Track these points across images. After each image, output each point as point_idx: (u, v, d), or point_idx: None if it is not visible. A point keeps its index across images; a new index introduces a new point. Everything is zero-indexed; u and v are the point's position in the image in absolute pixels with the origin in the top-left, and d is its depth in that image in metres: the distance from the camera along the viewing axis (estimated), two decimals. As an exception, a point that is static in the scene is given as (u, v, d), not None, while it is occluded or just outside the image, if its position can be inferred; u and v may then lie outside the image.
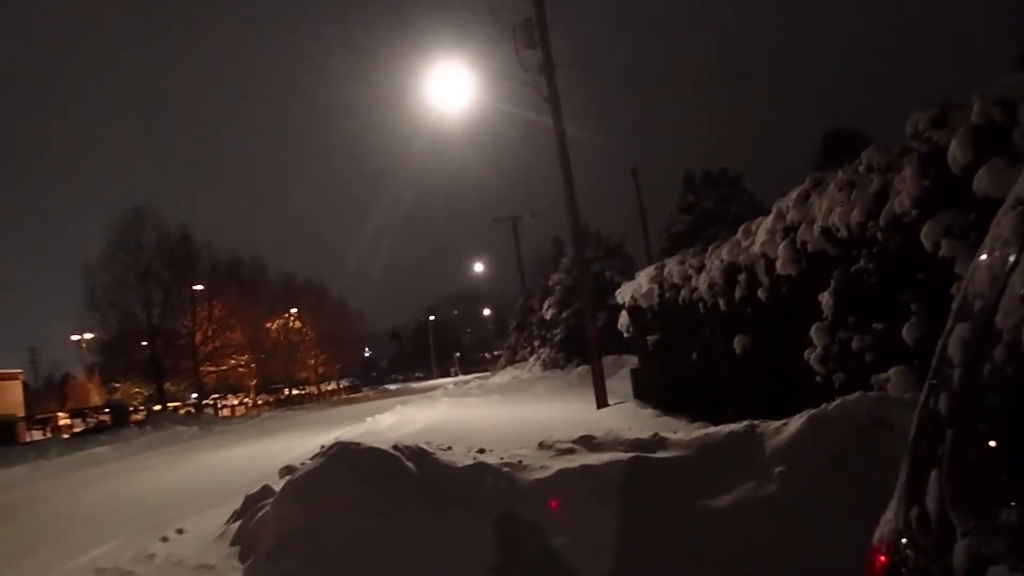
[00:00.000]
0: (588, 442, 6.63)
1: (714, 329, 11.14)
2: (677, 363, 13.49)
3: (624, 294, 16.86)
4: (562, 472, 5.88)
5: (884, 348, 6.28)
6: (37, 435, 44.38)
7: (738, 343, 9.80)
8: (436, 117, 24.77)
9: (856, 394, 5.70)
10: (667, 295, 13.60)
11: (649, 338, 15.39)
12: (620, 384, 20.01)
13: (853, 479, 4.57)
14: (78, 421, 50.04)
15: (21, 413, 46.34)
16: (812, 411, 5.58)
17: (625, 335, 18.51)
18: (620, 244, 41.29)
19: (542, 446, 6.74)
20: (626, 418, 13.74)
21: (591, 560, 5.31)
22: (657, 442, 6.44)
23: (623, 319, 17.60)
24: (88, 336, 57.47)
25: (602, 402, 17.56)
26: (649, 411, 14.71)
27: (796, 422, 5.45)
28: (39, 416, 52.10)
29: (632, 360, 20.96)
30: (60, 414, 54.29)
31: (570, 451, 6.52)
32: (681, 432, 7.21)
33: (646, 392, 16.46)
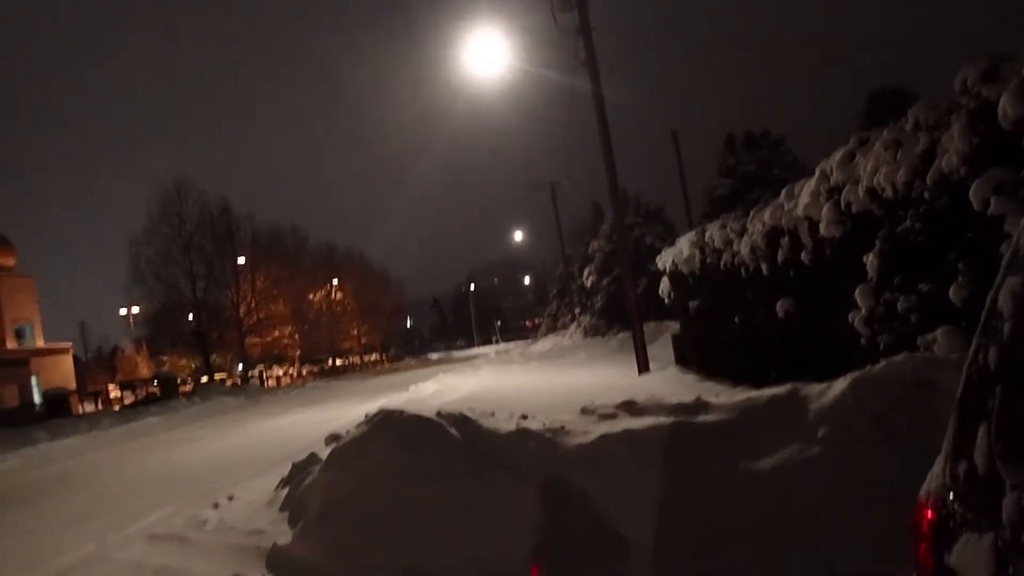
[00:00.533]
0: (630, 407, 6.64)
1: (756, 293, 11.05)
2: (719, 328, 13.41)
3: (665, 260, 16.75)
4: (604, 437, 5.89)
5: (930, 309, 6.19)
6: (89, 407, 45.49)
7: (781, 307, 9.71)
8: (474, 86, 24.63)
9: (902, 355, 5.62)
10: (708, 260, 13.50)
11: (690, 303, 15.31)
12: (661, 350, 19.96)
13: (898, 440, 4.52)
14: (128, 393, 51.21)
15: (72, 386, 47.48)
16: (856, 373, 5.52)
17: (666, 301, 18.43)
18: (660, 209, 41.00)
19: (584, 411, 6.76)
20: (668, 383, 13.72)
21: (634, 523, 5.33)
22: (699, 406, 6.42)
23: (664, 285, 17.50)
24: (134, 310, 58.58)
25: (643, 368, 17.54)
26: (691, 376, 14.67)
27: (840, 384, 5.40)
28: (90, 389, 53.37)
29: (673, 326, 20.87)
30: (110, 386, 55.54)
31: (612, 416, 6.53)
32: (723, 396, 7.19)
33: (688, 357, 16.40)
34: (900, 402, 4.93)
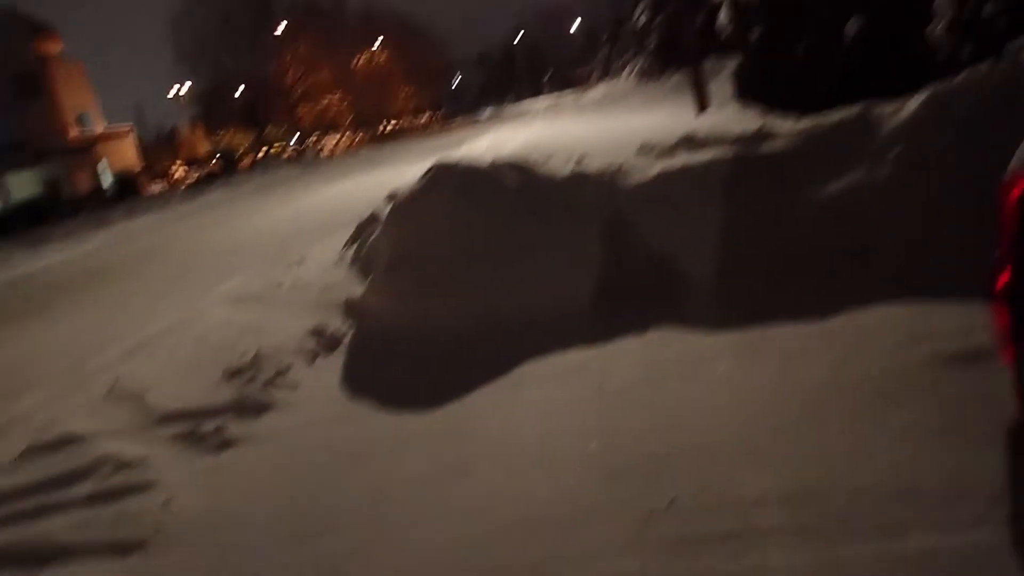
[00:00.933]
0: (689, 142, 6.48)
1: (823, 16, 10.41)
2: (783, 58, 12.79)
3: (722, -12, 15.79)
4: (663, 174, 5.81)
5: (1019, 11, 5.75)
6: (156, 187, 46.66)
7: (851, 27, 9.15)
8: None
9: (986, 63, 5.29)
10: (769, -15, 12.67)
11: (752, 33, 14.55)
12: (721, 88, 19.29)
13: (979, 149, 4.35)
14: (191, 171, 52.20)
15: (138, 168, 48.47)
16: (934, 86, 5.21)
17: (725, 34, 17.56)
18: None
19: (642, 150, 6.64)
20: (728, 120, 13.34)
21: (695, 257, 5.36)
22: (762, 136, 6.22)
23: (722, 16, 16.61)
24: (184, 90, 58.36)
25: (702, 107, 17.03)
26: (753, 112, 14.22)
27: (916, 100, 5.13)
28: (155, 170, 54.47)
29: (732, 64, 20.02)
30: (175, 166, 56.55)
31: (671, 153, 6.40)
32: (788, 126, 6.97)
33: (749, 93, 15.80)
34: (983, 113, 4.68)
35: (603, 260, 5.47)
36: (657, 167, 5.93)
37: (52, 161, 41.12)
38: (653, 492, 2.96)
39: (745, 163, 5.69)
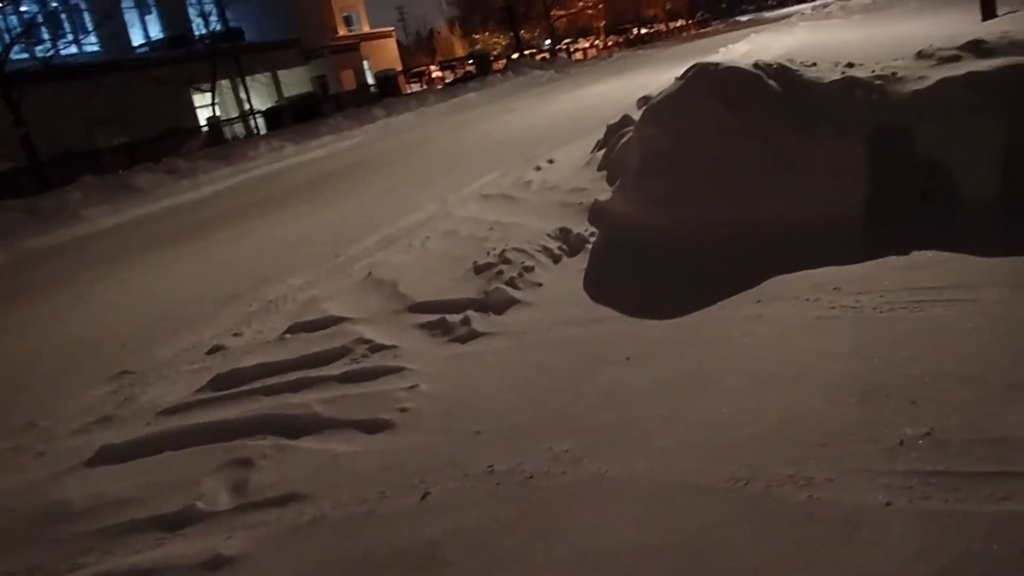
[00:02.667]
0: (976, 47, 5.80)
1: None
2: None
3: None
4: (943, 81, 5.25)
5: None
6: (415, 87, 48.73)
7: None
8: None
9: None
10: None
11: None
12: (1011, -7, 17.16)
13: None
14: (448, 72, 53.95)
15: (399, 67, 50.77)
16: None
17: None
18: None
19: (920, 55, 6.04)
20: (1020, 26, 11.87)
21: (975, 175, 4.86)
22: (1068, 42, 5.49)
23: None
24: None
25: (989, 13, 15.23)
26: (1053, 17, 12.56)
27: None
28: (414, 69, 56.81)
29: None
30: (431, 67, 58.67)
31: (954, 59, 5.77)
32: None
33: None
34: None
35: (868, 174, 5.09)
36: (937, 74, 5.38)
37: (321, 59, 43.90)
38: (907, 421, 2.77)
39: (1045, 72, 5.03)
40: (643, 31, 72.04)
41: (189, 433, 4.03)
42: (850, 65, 6.22)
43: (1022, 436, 2.56)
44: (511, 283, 5.18)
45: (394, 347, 4.61)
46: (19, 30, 24.72)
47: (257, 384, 4.48)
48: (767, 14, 79.39)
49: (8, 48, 22.70)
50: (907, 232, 4.60)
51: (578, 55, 58.11)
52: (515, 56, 53.61)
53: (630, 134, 6.87)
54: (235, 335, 5.74)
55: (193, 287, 7.92)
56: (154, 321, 6.84)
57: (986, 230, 4.45)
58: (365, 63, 48.74)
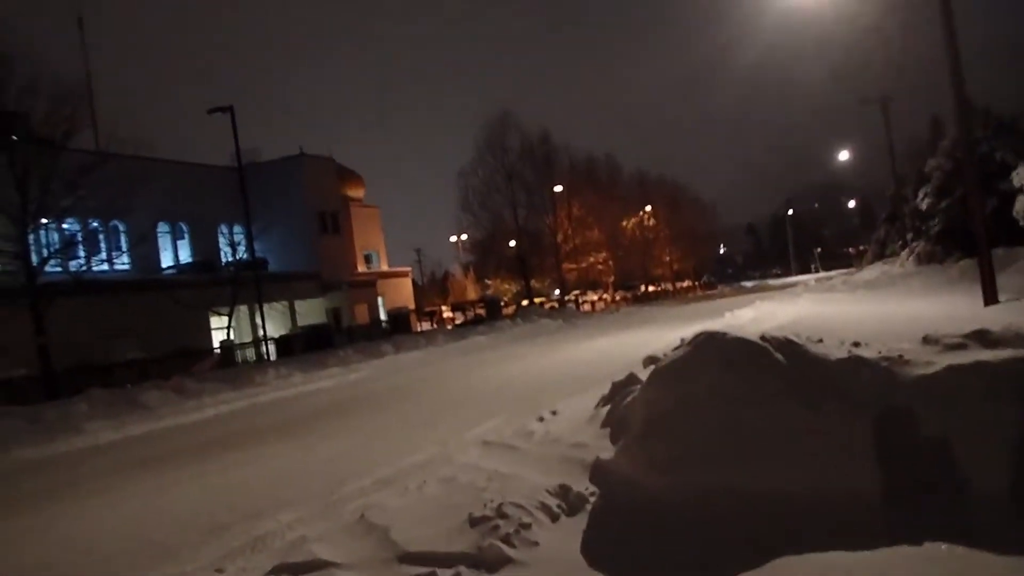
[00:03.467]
0: (983, 337, 5.92)
1: None
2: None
3: (1022, 176, 14.80)
4: (952, 368, 5.32)
5: None
6: (425, 325, 49.88)
7: None
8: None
9: None
10: (1079, 174, 11.71)
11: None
12: (1012, 280, 17.90)
13: None
14: (458, 314, 55.47)
15: (412, 306, 52.30)
16: None
17: (1021, 224, 16.35)
18: (1013, 120, 36.15)
19: (926, 340, 6.16)
20: (1022, 316, 12.22)
21: (987, 468, 4.79)
22: (1072, 339, 5.60)
23: (1019, 204, 15.52)
24: (463, 237, 62.86)
25: (991, 299, 15.79)
26: (1052, 309, 12.96)
27: None
28: (426, 309, 58.47)
29: (1028, 253, 18.52)
30: (443, 307, 60.40)
31: (960, 346, 5.88)
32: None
33: (1048, 287, 14.48)
34: None
35: (877, 456, 5.02)
36: (945, 360, 5.45)
37: (337, 292, 45.31)
38: None
39: (1052, 367, 5.09)
40: (650, 289, 74.64)
41: None
42: (856, 344, 6.33)
43: None
44: (506, 540, 5.00)
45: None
46: (57, 246, 25.72)
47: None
48: (771, 282, 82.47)
49: (44, 262, 23.56)
50: (919, 520, 4.47)
51: (586, 307, 59.85)
52: (525, 303, 55.26)
53: (636, 393, 6.89)
54: (217, 571, 5.53)
55: (182, 513, 7.72)
56: (138, 546, 6.65)
57: (1002, 527, 4.32)
58: (380, 299, 50.27)
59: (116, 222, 33.70)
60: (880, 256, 46.37)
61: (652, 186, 75.20)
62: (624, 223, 69.23)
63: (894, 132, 43.18)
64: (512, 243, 56.16)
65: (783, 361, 5.67)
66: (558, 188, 55.95)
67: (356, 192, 53.52)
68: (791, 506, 4.92)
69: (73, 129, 24.27)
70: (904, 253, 38.86)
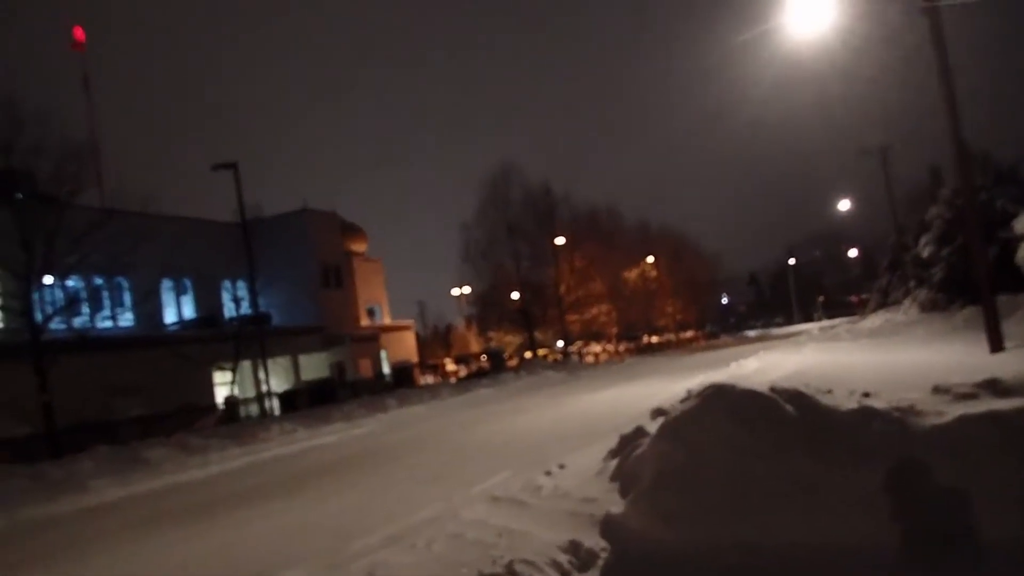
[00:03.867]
0: (993, 386, 5.94)
1: None
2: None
3: None
4: (964, 418, 5.29)
5: None
6: (428, 379, 49.75)
7: None
8: (791, 47, 23.32)
9: None
10: (1080, 222, 11.76)
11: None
12: (1016, 327, 17.85)
13: None
14: (462, 367, 55.35)
15: (415, 359, 52.17)
16: None
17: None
18: (1013, 168, 36.38)
19: (937, 390, 6.16)
20: (1030, 364, 12.17)
21: (1002, 520, 4.75)
22: (1082, 388, 5.60)
23: (1022, 252, 15.55)
24: (466, 290, 62.94)
25: (996, 346, 15.72)
26: (1058, 356, 12.91)
27: None
28: (429, 362, 58.33)
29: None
30: (447, 360, 60.26)
31: (971, 396, 5.89)
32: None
33: (1054, 335, 14.44)
34: None
35: (891, 508, 4.97)
36: (957, 410, 5.44)
37: (340, 346, 45.22)
38: None
39: (1063, 417, 5.07)
40: (653, 339, 74.48)
41: None
42: (866, 394, 6.32)
43: None
44: (523, 599, 4.94)
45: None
46: (62, 303, 25.74)
47: None
48: (774, 331, 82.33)
49: (47, 320, 23.57)
50: (934, 573, 4.41)
51: (589, 358, 59.67)
52: (528, 355, 55.13)
53: (644, 446, 6.86)
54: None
55: (188, 573, 7.62)
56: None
57: (1017, 576, 4.27)
58: (383, 352, 50.16)
59: (120, 278, 33.82)
60: (883, 304, 46.31)
61: (654, 236, 75.50)
62: (626, 273, 69.37)
63: (894, 181, 43.47)
64: (515, 295, 56.21)
65: (793, 413, 5.65)
66: (560, 240, 56.17)
67: (359, 246, 53.74)
68: (802, 560, 4.87)
69: (79, 187, 24.46)
70: (907, 301, 38.83)
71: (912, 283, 39.74)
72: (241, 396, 33.81)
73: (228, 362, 32.29)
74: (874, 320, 39.29)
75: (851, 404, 5.85)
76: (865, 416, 5.59)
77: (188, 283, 42.49)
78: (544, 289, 56.98)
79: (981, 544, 4.71)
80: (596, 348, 65.19)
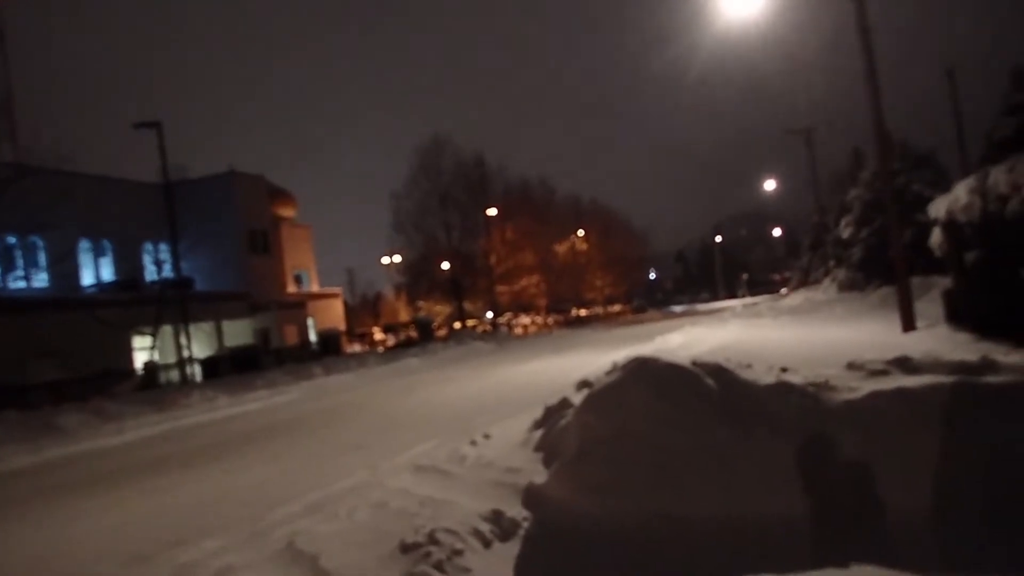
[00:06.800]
0: (904, 364, 6.14)
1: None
2: (1001, 283, 12.14)
3: (938, 208, 15.35)
4: (875, 394, 5.48)
5: None
6: (356, 347, 49.36)
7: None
8: (724, 25, 23.58)
9: None
10: (991, 207, 12.21)
11: (967, 256, 13.96)
12: (928, 307, 18.46)
13: None
14: (390, 336, 55.06)
15: (342, 327, 51.66)
16: None
17: (937, 254, 16.92)
18: (929, 154, 37.57)
19: (851, 367, 6.35)
20: (939, 343, 12.63)
21: (907, 489, 4.93)
22: (985, 366, 5.82)
23: (935, 236, 16.07)
24: (396, 258, 62.46)
25: (909, 325, 16.31)
26: (964, 336, 13.41)
27: None
28: (357, 330, 57.87)
29: (942, 282, 19.18)
30: (375, 329, 59.88)
31: (883, 372, 6.08)
32: (1013, 357, 6.49)
33: (961, 315, 15.00)
34: None
35: (803, 479, 5.13)
36: (868, 386, 5.62)
37: (266, 312, 44.51)
38: None
39: (967, 393, 5.29)
40: (582, 312, 75.19)
41: None
42: (784, 370, 6.47)
43: None
44: (438, 566, 4.95)
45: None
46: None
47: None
48: (700, 306, 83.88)
49: (-45, 278, 22.65)
50: (844, 543, 4.57)
51: (519, 330, 59.97)
52: (457, 326, 55.13)
53: (569, 418, 6.92)
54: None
55: (101, 542, 7.44)
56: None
57: (922, 547, 4.45)
58: (310, 320, 49.52)
59: (35, 237, 32.65)
60: (804, 283, 47.57)
61: (586, 211, 76.04)
62: (557, 246, 69.76)
63: (818, 162, 44.50)
64: (445, 265, 56.04)
65: (714, 386, 5.77)
66: (492, 211, 56.12)
67: (287, 211, 52.78)
68: (722, 530, 4.99)
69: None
70: (827, 280, 39.94)
71: (832, 263, 40.86)
72: (161, 362, 33.03)
73: (148, 327, 31.50)
74: (795, 298, 40.29)
75: (769, 379, 6.00)
76: (782, 391, 5.74)
77: (108, 245, 41.22)
78: (475, 260, 56.98)
79: (888, 512, 4.89)
80: (525, 320, 65.52)
